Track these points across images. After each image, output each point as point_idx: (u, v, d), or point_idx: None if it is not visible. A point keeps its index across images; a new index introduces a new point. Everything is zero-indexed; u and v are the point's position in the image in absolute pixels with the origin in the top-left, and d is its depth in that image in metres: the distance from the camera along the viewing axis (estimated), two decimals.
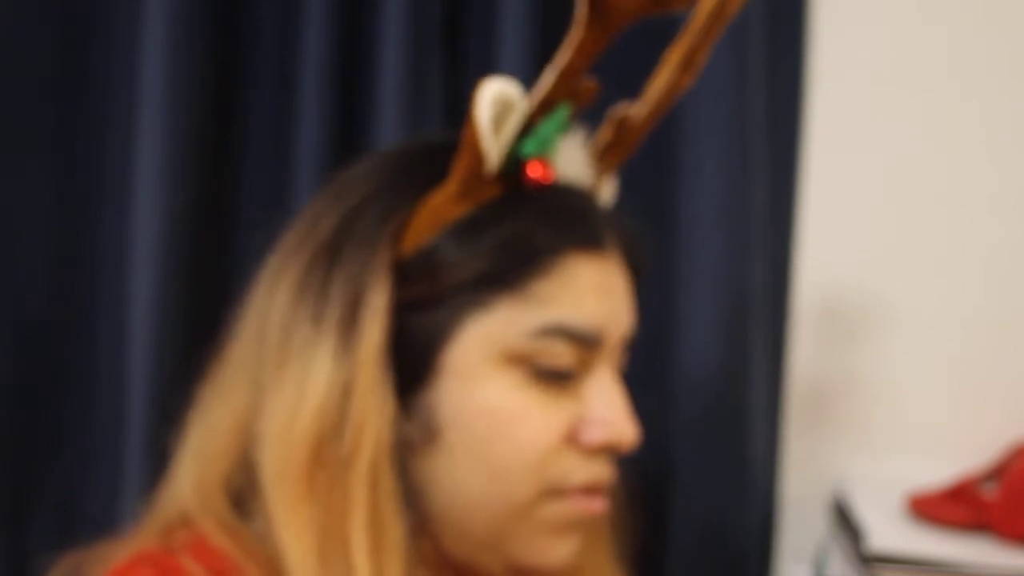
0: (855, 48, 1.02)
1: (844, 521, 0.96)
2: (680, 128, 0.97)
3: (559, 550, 0.63)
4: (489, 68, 0.96)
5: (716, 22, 0.65)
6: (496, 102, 0.60)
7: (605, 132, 0.68)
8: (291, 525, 0.58)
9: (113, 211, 0.97)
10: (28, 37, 0.96)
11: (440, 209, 0.61)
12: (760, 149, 0.98)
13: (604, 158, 0.69)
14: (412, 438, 0.61)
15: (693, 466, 0.98)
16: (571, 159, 0.65)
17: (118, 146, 0.96)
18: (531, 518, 0.62)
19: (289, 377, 0.60)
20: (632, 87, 0.70)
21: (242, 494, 0.62)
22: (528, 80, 0.90)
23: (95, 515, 0.99)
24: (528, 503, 0.61)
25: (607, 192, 0.71)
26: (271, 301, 0.63)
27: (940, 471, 0.98)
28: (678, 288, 0.98)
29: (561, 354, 0.61)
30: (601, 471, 0.63)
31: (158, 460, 0.90)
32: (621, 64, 0.81)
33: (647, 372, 0.95)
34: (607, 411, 0.62)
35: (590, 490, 0.63)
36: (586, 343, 0.62)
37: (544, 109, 0.62)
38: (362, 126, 0.96)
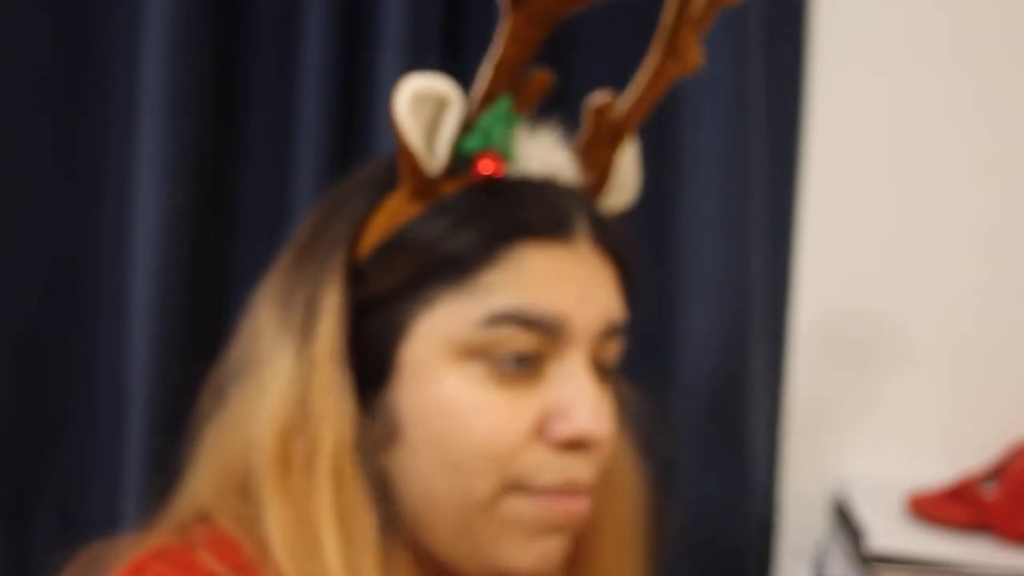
0: (856, 41, 1.02)
1: (844, 521, 0.96)
2: (678, 122, 0.96)
3: (530, 553, 0.61)
4: None
5: (686, 3, 0.64)
6: (420, 99, 0.59)
7: (587, 124, 0.67)
8: (271, 521, 0.59)
9: (113, 211, 0.97)
10: (28, 37, 0.96)
11: (395, 210, 0.62)
12: (759, 144, 0.98)
13: (590, 151, 0.67)
14: (379, 437, 0.61)
15: (693, 466, 0.98)
16: (537, 151, 0.64)
17: (118, 146, 0.96)
18: (495, 516, 0.60)
19: (264, 377, 0.62)
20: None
21: (251, 492, 0.62)
22: None
23: (95, 515, 0.99)
24: (489, 498, 0.60)
25: (625, 179, 0.70)
26: (259, 305, 0.65)
27: (940, 471, 0.98)
28: (678, 287, 0.98)
29: (516, 340, 0.60)
30: (578, 470, 0.61)
31: (159, 460, 0.91)
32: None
33: (647, 371, 0.95)
34: (573, 403, 0.60)
35: (565, 491, 0.61)
36: (544, 328, 0.60)
37: (486, 103, 0.62)
38: (362, 129, 0.96)
